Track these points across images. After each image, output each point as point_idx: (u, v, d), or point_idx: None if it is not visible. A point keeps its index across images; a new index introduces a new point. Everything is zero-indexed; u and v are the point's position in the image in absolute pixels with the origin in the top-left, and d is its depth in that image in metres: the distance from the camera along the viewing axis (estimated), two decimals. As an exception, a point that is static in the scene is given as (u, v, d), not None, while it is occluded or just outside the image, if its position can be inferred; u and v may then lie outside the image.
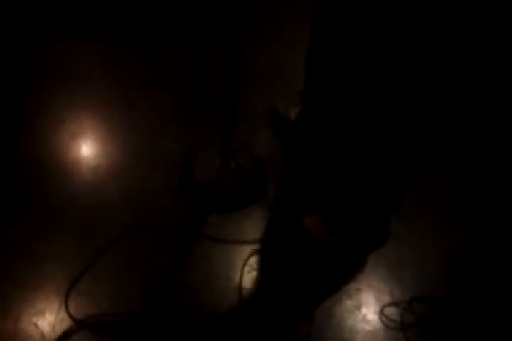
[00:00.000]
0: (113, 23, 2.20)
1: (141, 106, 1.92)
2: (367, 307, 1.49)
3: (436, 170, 1.85)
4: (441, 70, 1.36)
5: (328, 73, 1.54)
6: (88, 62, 2.05)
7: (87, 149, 1.79)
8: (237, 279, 1.50)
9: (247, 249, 1.57)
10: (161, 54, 2.10)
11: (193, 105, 1.91)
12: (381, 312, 1.48)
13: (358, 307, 1.49)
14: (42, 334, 1.35)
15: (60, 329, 1.36)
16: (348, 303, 1.50)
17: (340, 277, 1.56)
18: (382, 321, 1.47)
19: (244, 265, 1.53)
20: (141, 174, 1.72)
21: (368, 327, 1.46)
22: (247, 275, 1.51)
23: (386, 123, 1.43)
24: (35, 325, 1.37)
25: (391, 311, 1.49)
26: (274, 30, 2.20)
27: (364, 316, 1.48)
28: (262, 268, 1.54)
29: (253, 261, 1.55)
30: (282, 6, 2.30)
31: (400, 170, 1.55)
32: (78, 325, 1.36)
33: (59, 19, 2.18)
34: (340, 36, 1.42)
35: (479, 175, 1.86)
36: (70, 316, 1.37)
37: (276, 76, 2.03)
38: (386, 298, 1.51)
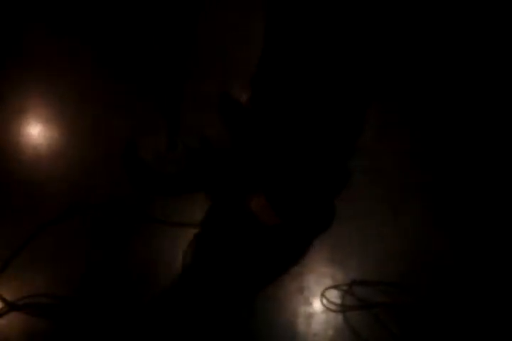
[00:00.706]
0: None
1: (87, 90, 1.87)
2: (309, 290, 1.50)
3: (389, 157, 1.85)
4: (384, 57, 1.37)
5: (279, 59, 1.53)
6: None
7: (28, 127, 1.75)
8: (179, 262, 1.49)
9: (192, 232, 1.55)
10: (113, 35, 2.05)
11: (141, 86, 1.88)
12: (322, 295, 1.49)
13: (301, 290, 1.50)
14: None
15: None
16: (291, 286, 1.51)
17: (285, 260, 1.56)
18: (323, 304, 1.48)
19: (188, 248, 1.52)
20: (84, 154, 1.68)
21: (309, 310, 1.47)
22: (190, 258, 1.50)
23: (330, 107, 1.43)
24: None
25: (333, 294, 1.50)
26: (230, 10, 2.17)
27: (306, 299, 1.49)
28: (206, 251, 1.53)
29: (196, 243, 1.53)
30: None
31: (344, 153, 1.55)
32: (10, 306, 1.34)
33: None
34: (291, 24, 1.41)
35: (432, 163, 1.87)
36: (0, 297, 1.35)
37: (231, 58, 2.01)
38: (328, 281, 1.53)
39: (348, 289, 1.51)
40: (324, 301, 1.48)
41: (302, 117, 1.47)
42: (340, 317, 1.45)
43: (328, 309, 1.47)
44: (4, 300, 1.35)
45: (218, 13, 2.12)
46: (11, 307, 1.33)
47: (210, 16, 2.00)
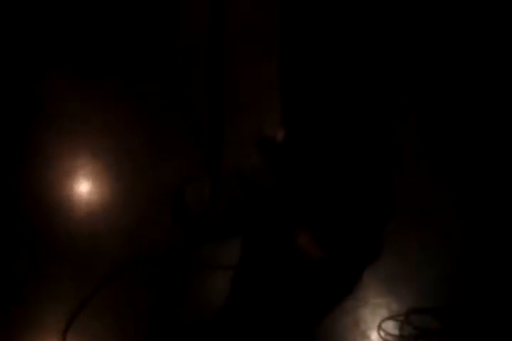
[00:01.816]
0: (95, 56, 2.24)
1: (130, 140, 1.95)
2: (365, 323, 1.51)
3: (425, 180, 1.85)
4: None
5: (299, 94, 1.58)
6: (74, 97, 2.09)
7: (79, 185, 1.83)
8: (232, 301, 1.52)
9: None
10: (144, 86, 2.13)
11: (180, 136, 1.94)
12: (379, 327, 1.49)
13: (357, 324, 1.51)
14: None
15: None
16: (347, 320, 1.52)
17: (337, 294, 1.57)
18: (381, 336, 1.48)
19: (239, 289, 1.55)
20: (132, 206, 1.75)
21: (368, 343, 1.48)
22: (245, 300, 1.53)
23: (363, 136, 1.46)
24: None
25: (389, 325, 1.50)
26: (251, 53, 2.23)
27: (363, 332, 1.50)
28: (259, 291, 1.56)
29: (250, 284, 1.57)
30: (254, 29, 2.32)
31: (386, 180, 1.57)
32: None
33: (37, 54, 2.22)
34: (303, 56, 1.46)
35: (472, 181, 1.86)
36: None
37: (262, 99, 2.06)
38: (384, 312, 1.53)
39: (404, 319, 1.51)
40: (382, 333, 1.49)
41: (334, 149, 1.51)
42: (400, 348, 1.46)
43: (386, 341, 1.48)
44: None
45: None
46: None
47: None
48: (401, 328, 1.49)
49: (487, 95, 2.08)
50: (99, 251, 1.63)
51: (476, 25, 2.29)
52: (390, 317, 1.51)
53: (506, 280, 1.59)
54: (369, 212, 1.59)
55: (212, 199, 1.69)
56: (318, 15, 1.31)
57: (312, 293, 1.56)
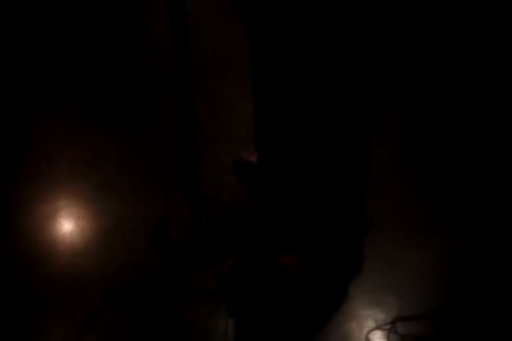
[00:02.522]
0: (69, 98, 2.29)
1: (109, 176, 1.99)
2: (353, 336, 1.55)
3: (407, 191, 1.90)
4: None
5: (273, 118, 1.63)
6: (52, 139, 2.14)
7: (61, 227, 1.86)
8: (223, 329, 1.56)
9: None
10: (119, 122, 2.19)
11: (156, 169, 1.98)
12: (366, 339, 1.53)
13: (345, 338, 1.55)
14: None
15: None
16: (335, 335, 1.56)
17: (324, 310, 1.61)
18: (368, 347, 1.52)
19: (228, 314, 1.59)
20: (116, 244, 1.78)
21: (356, 355, 1.51)
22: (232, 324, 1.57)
23: (333, 154, 1.51)
24: None
25: (377, 335, 1.54)
26: (222, 84, 2.29)
27: (351, 345, 1.53)
28: (245, 314, 1.60)
29: (235, 307, 1.60)
30: (228, 61, 2.39)
31: (359, 195, 1.62)
32: None
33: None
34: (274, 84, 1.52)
35: (454, 190, 1.91)
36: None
37: (233, 126, 2.12)
38: (370, 323, 1.57)
39: (390, 328, 1.55)
40: (369, 344, 1.53)
41: (306, 169, 1.56)
42: (388, 357, 1.50)
43: (374, 351, 1.51)
44: None
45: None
46: None
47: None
48: (388, 337, 1.53)
49: (466, 100, 2.16)
50: (83, 293, 1.65)
51: (460, 34, 2.37)
52: (377, 327, 1.55)
53: (490, 288, 1.64)
54: (344, 227, 1.63)
55: (193, 227, 1.74)
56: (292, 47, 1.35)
57: (299, 311, 1.60)
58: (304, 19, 1.30)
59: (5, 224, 1.86)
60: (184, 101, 1.50)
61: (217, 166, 1.98)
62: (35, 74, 2.34)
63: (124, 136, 2.12)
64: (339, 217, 1.62)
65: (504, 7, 2.32)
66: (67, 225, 1.88)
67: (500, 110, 2.13)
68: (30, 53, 2.41)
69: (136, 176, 1.99)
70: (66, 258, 1.75)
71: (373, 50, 1.36)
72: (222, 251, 1.73)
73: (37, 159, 2.05)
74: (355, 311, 1.60)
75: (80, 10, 2.59)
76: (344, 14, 1.27)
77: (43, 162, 2.04)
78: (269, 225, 1.79)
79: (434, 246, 1.74)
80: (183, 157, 1.62)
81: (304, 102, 1.45)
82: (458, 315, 1.57)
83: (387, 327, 1.55)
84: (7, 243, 1.80)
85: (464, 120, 2.12)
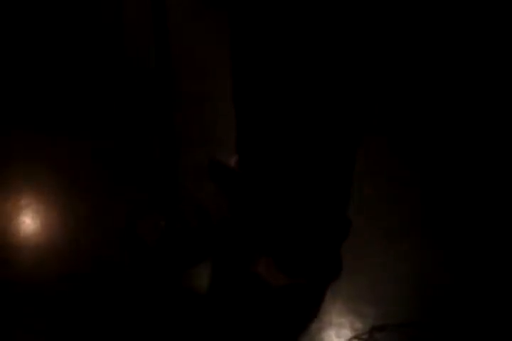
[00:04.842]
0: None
1: (79, 178, 1.93)
2: (330, 345, 1.51)
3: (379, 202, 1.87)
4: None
5: (252, 120, 1.59)
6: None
7: (25, 228, 1.79)
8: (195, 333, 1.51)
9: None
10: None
11: (131, 171, 1.94)
12: (346, 348, 1.50)
13: (322, 347, 1.51)
14: None
15: None
16: (311, 343, 1.52)
17: (300, 318, 1.57)
18: (345, 357, 1.49)
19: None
20: (85, 248, 1.71)
21: (333, 365, 1.47)
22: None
23: (315, 160, 1.47)
24: None
25: (355, 344, 1.51)
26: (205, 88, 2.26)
27: (328, 355, 1.49)
28: (218, 320, 1.55)
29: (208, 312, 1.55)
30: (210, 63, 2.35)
31: (339, 202, 1.58)
32: None
33: None
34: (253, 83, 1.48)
35: (426, 190, 1.89)
36: None
37: (214, 130, 2.08)
38: (348, 332, 1.54)
39: (368, 337, 1.51)
40: (346, 354, 1.49)
41: (289, 175, 1.52)
42: (364, 368, 1.46)
43: (351, 361, 1.48)
44: None
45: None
46: None
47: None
48: (367, 346, 1.50)
49: (455, 108, 2.15)
50: (48, 296, 1.59)
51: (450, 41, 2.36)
52: (355, 337, 1.52)
53: (468, 297, 1.61)
54: (326, 232, 1.60)
55: (168, 230, 1.69)
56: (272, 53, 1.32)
57: (275, 318, 1.55)
58: (287, 23, 1.27)
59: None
60: (163, 100, 1.47)
61: (197, 168, 1.93)
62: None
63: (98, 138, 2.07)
64: (320, 221, 1.58)
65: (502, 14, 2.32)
66: (36, 220, 1.81)
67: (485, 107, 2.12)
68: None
69: (109, 175, 1.93)
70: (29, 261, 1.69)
71: (359, 56, 1.33)
72: (193, 255, 1.68)
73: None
74: (332, 319, 1.56)
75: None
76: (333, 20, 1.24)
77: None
78: (248, 230, 1.74)
79: (412, 255, 1.71)
80: (161, 158, 1.58)
81: (285, 106, 1.42)
82: (436, 324, 1.54)
83: (365, 336, 1.52)
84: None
85: (445, 122, 2.11)
